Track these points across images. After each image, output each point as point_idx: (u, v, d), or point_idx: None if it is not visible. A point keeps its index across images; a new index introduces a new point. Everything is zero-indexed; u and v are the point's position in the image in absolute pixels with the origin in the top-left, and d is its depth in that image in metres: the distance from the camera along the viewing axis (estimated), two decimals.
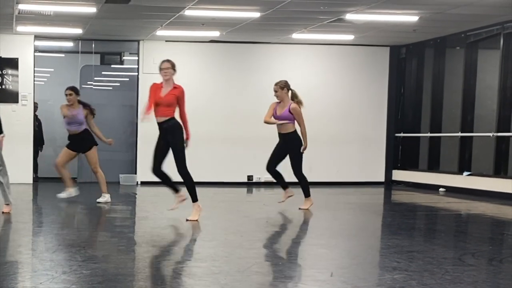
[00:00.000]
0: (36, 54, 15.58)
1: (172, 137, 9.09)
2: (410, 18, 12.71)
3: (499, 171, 13.63)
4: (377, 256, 7.12)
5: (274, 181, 11.16)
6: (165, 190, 13.18)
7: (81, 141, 11.31)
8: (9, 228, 8.57)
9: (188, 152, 17.10)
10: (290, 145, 10.64)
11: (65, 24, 13.81)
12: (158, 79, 16.67)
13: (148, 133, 15.94)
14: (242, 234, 8.25)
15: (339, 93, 16.53)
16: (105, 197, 11.40)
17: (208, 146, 15.71)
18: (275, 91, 10.78)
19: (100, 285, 5.36)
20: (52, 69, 16.91)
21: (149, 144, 15.89)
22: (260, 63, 16.22)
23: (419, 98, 16.27)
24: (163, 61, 9.30)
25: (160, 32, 14.53)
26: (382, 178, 16.77)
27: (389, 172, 16.80)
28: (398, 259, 6.56)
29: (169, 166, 9.32)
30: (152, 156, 9.28)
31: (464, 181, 14.30)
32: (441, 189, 14.82)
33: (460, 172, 14.54)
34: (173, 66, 9.21)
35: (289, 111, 10.57)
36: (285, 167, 10.92)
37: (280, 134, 10.77)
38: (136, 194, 13.82)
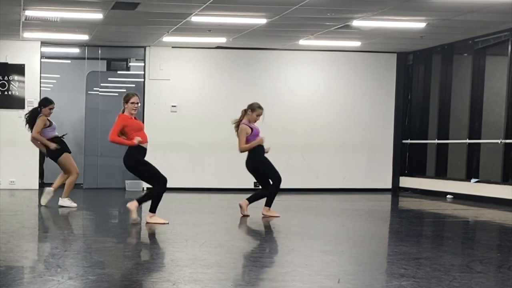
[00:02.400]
0: (42, 60, 15.60)
1: None
2: (417, 24, 12.68)
3: (507, 178, 13.56)
4: (385, 263, 7.08)
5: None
6: (170, 197, 13.17)
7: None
8: (15, 234, 8.55)
9: (194, 159, 17.14)
10: None
11: (71, 31, 13.83)
12: (164, 85, 16.68)
13: (154, 140, 15.97)
14: (249, 240, 8.22)
15: (345, 100, 16.49)
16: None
17: (214, 153, 15.70)
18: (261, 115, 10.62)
19: None
20: (59, 75, 16.92)
21: (155, 150, 16.00)
22: (266, 70, 16.21)
23: (426, 104, 16.23)
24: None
25: (166, 38, 14.53)
26: (389, 185, 16.72)
27: (396, 179, 16.75)
28: (406, 266, 6.53)
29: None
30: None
31: (471, 188, 14.24)
32: (448, 196, 14.76)
33: (467, 179, 14.49)
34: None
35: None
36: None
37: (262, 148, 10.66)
38: None
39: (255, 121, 10.56)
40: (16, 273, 5.94)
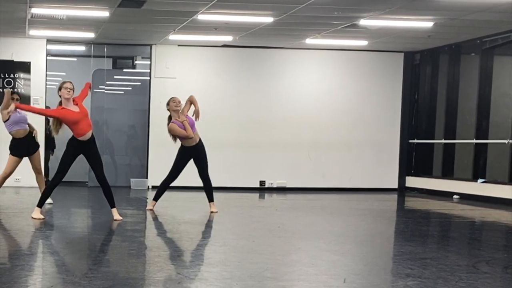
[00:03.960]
0: (48, 58, 15.61)
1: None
2: (424, 24, 12.63)
3: None
4: (390, 262, 7.05)
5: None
6: (176, 195, 13.13)
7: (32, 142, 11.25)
8: (20, 232, 8.54)
9: None
10: (203, 151, 10.91)
11: (77, 28, 13.81)
12: (170, 83, 16.58)
13: (159, 137, 15.97)
14: (254, 239, 8.20)
15: (352, 99, 16.45)
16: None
17: (220, 151, 15.66)
18: (179, 102, 10.68)
19: None
20: (64, 73, 16.90)
21: (160, 148, 16.00)
22: (273, 68, 16.18)
23: (433, 104, 16.18)
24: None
25: (172, 37, 14.50)
26: (395, 185, 16.68)
27: (402, 179, 16.71)
28: (412, 266, 6.49)
29: None
30: None
31: (478, 188, 14.19)
32: (455, 196, 14.71)
33: (474, 179, 14.43)
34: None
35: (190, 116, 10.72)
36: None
37: (193, 146, 10.77)
38: (147, 198, 13.76)
39: (175, 111, 10.65)
40: (21, 271, 5.92)
